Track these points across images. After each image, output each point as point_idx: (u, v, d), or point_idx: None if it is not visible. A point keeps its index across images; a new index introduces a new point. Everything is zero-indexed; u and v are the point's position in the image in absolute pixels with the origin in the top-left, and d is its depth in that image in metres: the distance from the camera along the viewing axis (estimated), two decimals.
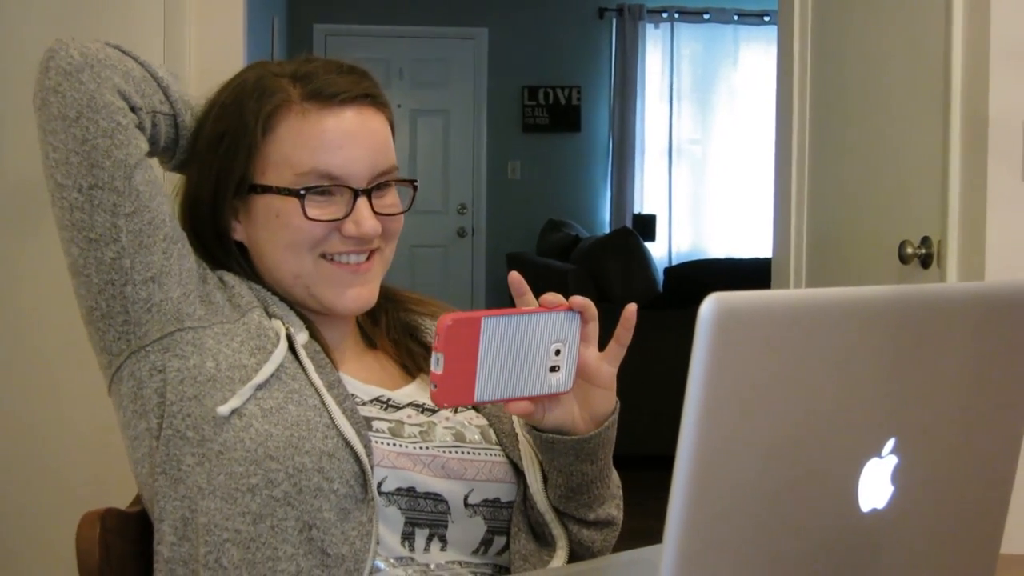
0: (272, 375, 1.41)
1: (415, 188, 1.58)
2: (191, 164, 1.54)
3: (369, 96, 1.51)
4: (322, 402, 1.41)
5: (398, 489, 1.42)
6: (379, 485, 1.41)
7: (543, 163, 9.11)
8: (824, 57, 3.36)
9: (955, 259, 2.76)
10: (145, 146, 1.45)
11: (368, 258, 1.51)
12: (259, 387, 1.40)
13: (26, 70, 3.05)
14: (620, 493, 1.55)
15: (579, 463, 1.43)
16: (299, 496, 1.36)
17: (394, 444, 1.44)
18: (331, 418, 1.40)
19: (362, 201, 1.48)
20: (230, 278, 1.51)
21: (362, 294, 1.52)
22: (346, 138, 1.47)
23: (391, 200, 1.53)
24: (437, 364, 1.24)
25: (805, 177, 3.44)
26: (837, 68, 3.30)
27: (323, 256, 1.49)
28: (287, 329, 1.46)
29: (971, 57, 2.71)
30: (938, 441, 0.99)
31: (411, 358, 1.61)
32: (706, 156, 9.26)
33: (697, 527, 0.80)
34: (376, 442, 1.43)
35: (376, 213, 1.49)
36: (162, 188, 1.46)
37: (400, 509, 1.42)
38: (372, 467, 1.39)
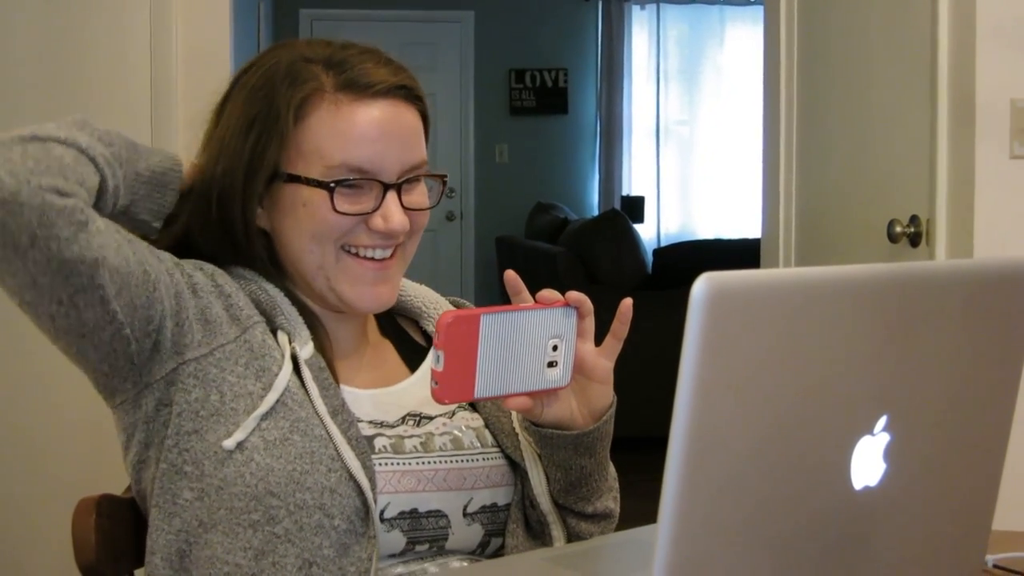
0: (277, 401, 1.38)
1: (444, 183, 1.53)
2: (211, 147, 1.49)
3: (404, 88, 1.47)
4: (327, 431, 1.38)
5: (400, 513, 1.41)
6: (382, 512, 1.40)
7: (531, 146, 9.10)
8: (811, 37, 3.36)
9: (944, 237, 2.77)
10: (102, 221, 1.31)
11: (392, 254, 1.48)
12: (263, 417, 1.37)
13: (17, 69, 3.05)
14: (617, 486, 1.55)
15: (578, 457, 1.43)
16: (300, 533, 1.34)
17: (397, 463, 1.43)
18: (336, 449, 1.37)
19: (391, 196, 1.44)
20: (228, 284, 1.44)
21: (382, 293, 1.48)
22: (378, 132, 1.43)
23: (419, 195, 1.49)
24: (438, 361, 1.25)
25: (793, 157, 3.44)
26: (824, 48, 3.30)
27: (346, 249, 1.45)
28: (292, 348, 1.42)
29: (958, 35, 2.72)
30: (930, 418, 0.99)
31: (413, 349, 1.60)
32: (693, 137, 9.25)
33: (691, 506, 0.80)
34: (379, 465, 1.41)
35: (404, 208, 1.45)
36: (126, 235, 1.35)
37: (402, 531, 1.41)
38: (375, 499, 1.37)
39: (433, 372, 1.26)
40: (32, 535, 3.03)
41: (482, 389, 1.28)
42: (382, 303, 1.50)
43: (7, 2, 3.03)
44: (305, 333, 1.45)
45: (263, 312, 1.45)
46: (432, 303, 1.63)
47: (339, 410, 1.40)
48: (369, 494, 1.36)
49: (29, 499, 3.05)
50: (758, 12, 7.93)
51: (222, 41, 3.14)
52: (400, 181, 1.45)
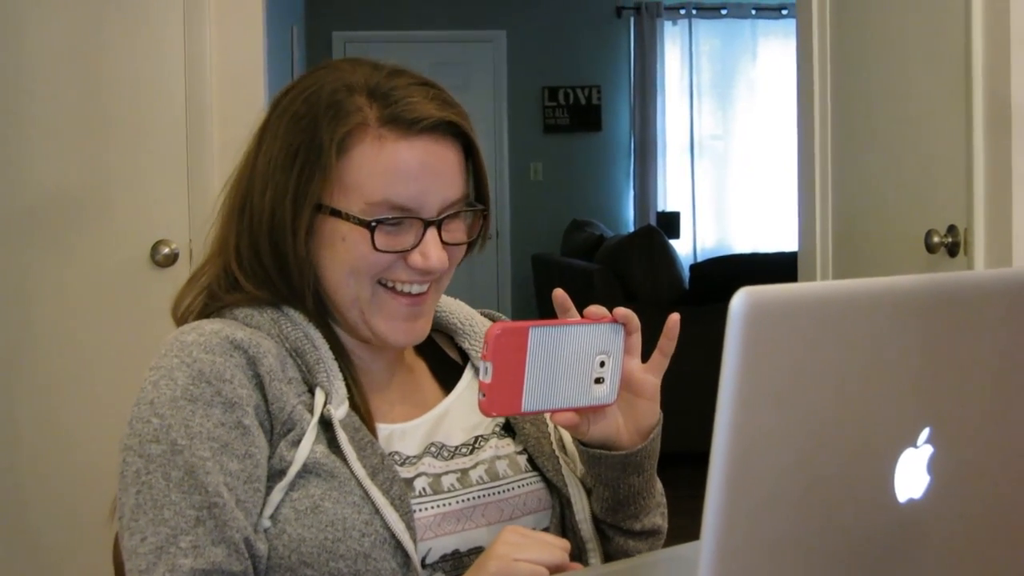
0: (304, 469, 1.35)
1: (485, 217, 1.50)
2: (255, 173, 1.46)
3: (450, 123, 1.43)
4: (365, 494, 1.35)
5: (443, 557, 1.40)
6: (423, 559, 1.38)
7: (565, 163, 9.11)
8: (844, 48, 3.35)
9: (982, 247, 2.75)
10: None
11: (427, 289, 1.45)
12: (291, 487, 1.34)
13: (48, 76, 3.08)
14: (664, 501, 1.53)
15: (626, 476, 1.42)
16: None
17: (437, 505, 1.41)
18: (375, 510, 1.34)
19: (431, 233, 1.41)
20: (267, 369, 1.37)
21: (415, 329, 1.46)
22: (422, 170, 1.40)
23: (457, 229, 1.47)
24: (485, 373, 1.25)
25: (828, 169, 3.42)
26: (857, 58, 3.29)
27: (382, 283, 1.43)
28: (326, 410, 1.38)
29: (992, 42, 2.70)
30: (973, 429, 0.98)
31: (448, 367, 1.59)
32: (728, 151, 9.24)
33: (734, 522, 0.79)
34: (419, 510, 1.39)
35: (443, 243, 1.43)
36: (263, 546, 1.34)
37: (445, 573, 1.40)
38: (416, 550, 1.35)
39: (481, 384, 1.26)
40: (72, 541, 3.04)
41: (529, 403, 1.27)
42: (415, 338, 1.48)
43: (42, 32, 3.06)
44: (343, 391, 1.41)
45: (306, 365, 1.42)
46: (467, 319, 1.62)
47: (379, 469, 1.37)
48: (414, 555, 1.34)
49: (68, 507, 3.06)
50: (790, 25, 7.90)
51: (255, 69, 3.15)
52: (440, 218, 1.42)
